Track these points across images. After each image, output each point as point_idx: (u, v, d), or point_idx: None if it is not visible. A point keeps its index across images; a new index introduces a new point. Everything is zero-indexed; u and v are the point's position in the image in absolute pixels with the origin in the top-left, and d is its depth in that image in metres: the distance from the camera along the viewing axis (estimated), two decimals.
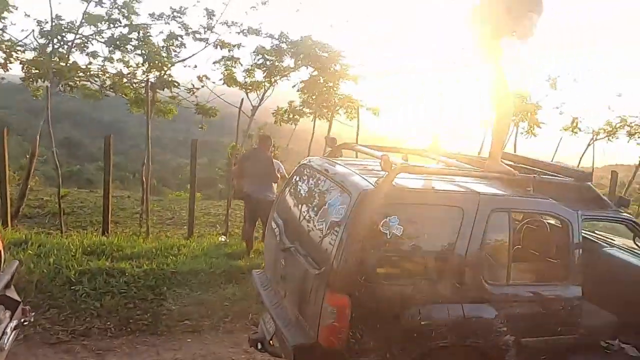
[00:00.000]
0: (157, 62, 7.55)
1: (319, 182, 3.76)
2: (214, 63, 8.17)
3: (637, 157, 11.93)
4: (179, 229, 8.61)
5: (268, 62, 8.16)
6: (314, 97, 8.49)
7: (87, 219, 8.94)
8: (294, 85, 8.58)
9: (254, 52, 8.20)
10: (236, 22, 7.93)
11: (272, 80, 8.30)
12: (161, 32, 7.86)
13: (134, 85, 7.88)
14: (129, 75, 7.90)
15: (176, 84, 8.12)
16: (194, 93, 8.58)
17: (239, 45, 8.23)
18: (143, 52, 7.68)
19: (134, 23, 7.68)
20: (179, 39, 7.77)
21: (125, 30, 7.64)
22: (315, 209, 3.56)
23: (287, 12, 8.28)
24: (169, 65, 7.84)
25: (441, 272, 3.20)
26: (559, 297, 3.45)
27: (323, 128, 9.90)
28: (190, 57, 8.18)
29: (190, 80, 8.59)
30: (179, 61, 8.07)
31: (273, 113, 9.37)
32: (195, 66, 8.30)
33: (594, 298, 3.75)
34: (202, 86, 8.53)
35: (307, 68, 8.46)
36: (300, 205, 3.89)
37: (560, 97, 10.89)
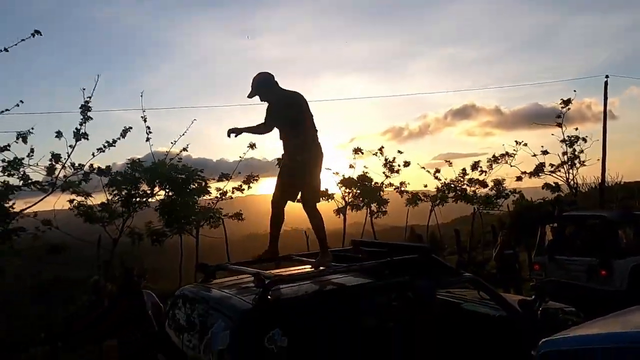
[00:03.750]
0: None
1: (198, 310, 3.78)
2: (69, 201, 7.78)
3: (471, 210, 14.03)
4: None
5: (124, 192, 8.03)
6: (173, 216, 8.46)
7: None
8: (156, 209, 8.50)
9: (106, 185, 8.04)
10: (83, 165, 7.78)
11: (130, 209, 8.14)
12: None
13: None
14: None
15: (22, 230, 7.47)
16: (38, 238, 7.96)
17: (86, 179, 8.00)
18: None
19: None
20: (16, 190, 7.30)
21: None
22: (199, 339, 3.55)
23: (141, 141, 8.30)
24: (8, 222, 7.25)
25: None
26: None
27: (192, 242, 9.80)
28: (36, 202, 7.68)
29: (36, 222, 8.00)
30: (22, 210, 7.50)
31: (128, 234, 8.98)
32: (35, 214, 7.81)
33: None
34: (50, 228, 7.98)
35: (165, 191, 8.51)
36: (183, 339, 3.83)
37: (399, 177, 12.53)
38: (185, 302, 3.98)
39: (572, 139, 13.17)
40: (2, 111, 6.51)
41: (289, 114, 4.20)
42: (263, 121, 4.45)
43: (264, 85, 4.25)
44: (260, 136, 4.66)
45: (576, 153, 13.24)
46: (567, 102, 13.19)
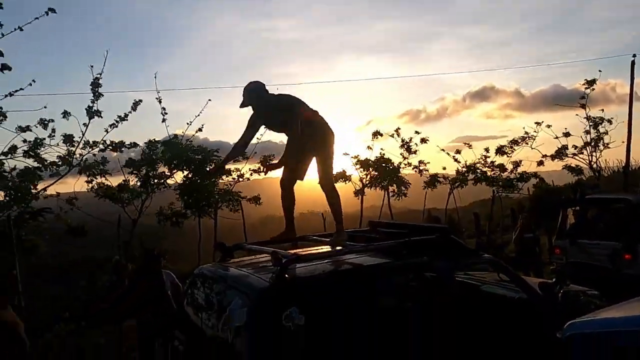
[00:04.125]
0: (16, 195, 7.05)
1: (216, 289, 3.81)
2: (87, 182, 7.87)
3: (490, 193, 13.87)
4: None
5: (142, 172, 8.10)
6: (192, 198, 8.55)
7: None
8: (176, 189, 8.59)
9: (124, 166, 8.10)
10: (97, 142, 7.80)
11: (149, 189, 8.21)
12: (14, 168, 7.40)
13: None
14: None
15: (48, 210, 7.63)
16: (60, 217, 8.11)
17: (104, 162, 8.08)
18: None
19: None
20: (37, 172, 7.38)
21: None
22: (217, 317, 3.57)
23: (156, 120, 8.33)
24: (29, 199, 7.34)
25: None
26: None
27: (210, 224, 9.90)
28: (54, 182, 7.75)
29: (58, 202, 8.15)
30: (42, 190, 7.59)
31: (156, 214, 9.17)
32: (58, 194, 7.91)
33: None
34: (72, 209, 8.12)
35: (182, 172, 8.56)
36: (201, 317, 3.87)
37: (417, 157, 12.41)
38: (204, 281, 4.01)
39: (597, 120, 12.82)
40: (17, 90, 6.52)
41: (286, 116, 4.19)
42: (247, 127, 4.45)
43: (256, 94, 4.27)
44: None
45: (600, 135, 12.90)
46: (591, 83, 12.78)
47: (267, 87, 4.35)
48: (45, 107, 7.40)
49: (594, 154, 13.09)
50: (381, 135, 12.09)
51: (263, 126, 4.54)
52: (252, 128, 4.47)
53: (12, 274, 5.16)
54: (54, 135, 7.51)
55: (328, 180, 4.35)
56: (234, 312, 3.35)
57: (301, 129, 4.18)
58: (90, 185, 8.27)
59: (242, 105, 4.31)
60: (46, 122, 7.30)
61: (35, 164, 7.43)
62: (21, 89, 6.47)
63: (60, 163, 7.59)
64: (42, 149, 7.43)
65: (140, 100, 8.05)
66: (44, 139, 7.44)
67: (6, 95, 6.29)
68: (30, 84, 6.76)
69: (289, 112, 4.19)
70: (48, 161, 7.51)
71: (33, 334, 7.90)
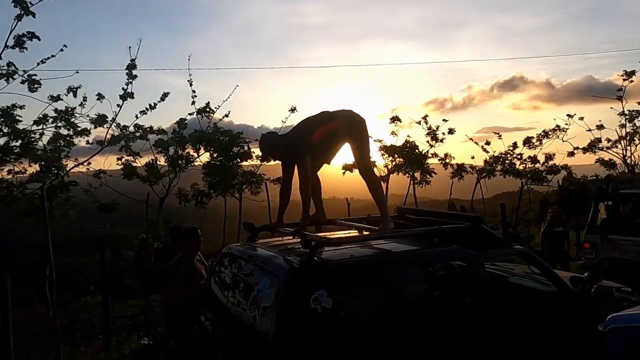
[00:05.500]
0: (49, 167, 7.18)
1: (244, 268, 3.82)
2: (118, 159, 7.97)
3: (518, 187, 13.58)
4: (93, 341, 7.88)
5: (170, 152, 8.17)
6: (217, 179, 8.61)
7: None
8: (202, 171, 8.66)
9: (153, 146, 8.18)
10: (127, 126, 7.83)
11: (177, 169, 8.29)
12: (43, 135, 7.46)
13: (26, 195, 7.34)
14: (19, 187, 7.37)
15: (74, 184, 7.77)
16: (90, 193, 8.26)
17: (135, 137, 8.13)
18: (31, 159, 7.27)
19: (16, 130, 7.24)
20: (68, 139, 7.43)
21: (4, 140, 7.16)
22: (245, 297, 3.59)
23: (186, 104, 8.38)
24: (64, 170, 7.45)
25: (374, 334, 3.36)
26: None
27: (233, 205, 9.97)
28: (85, 160, 7.86)
29: (88, 178, 8.30)
30: (75, 166, 7.71)
31: (176, 195, 9.26)
32: (89, 163, 8.01)
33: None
34: (100, 185, 8.26)
35: (209, 154, 8.61)
36: (228, 295, 3.89)
37: (443, 147, 12.22)
38: (232, 260, 4.03)
39: (633, 113, 12.42)
40: (49, 57, 6.51)
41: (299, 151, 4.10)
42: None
43: (269, 148, 4.22)
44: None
45: (636, 129, 12.50)
46: (630, 74, 12.34)
47: (278, 134, 4.29)
48: (77, 72, 7.38)
49: (628, 148, 12.70)
50: (400, 120, 11.91)
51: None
52: (285, 173, 4.44)
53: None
54: (84, 104, 7.53)
55: (366, 166, 4.27)
56: (262, 292, 3.35)
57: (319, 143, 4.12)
58: (119, 161, 8.36)
59: (263, 159, 4.33)
60: (75, 89, 7.23)
61: (66, 132, 7.48)
62: (52, 56, 6.47)
63: (90, 128, 7.61)
64: (74, 118, 7.43)
65: (168, 93, 7.99)
66: (75, 107, 7.45)
67: (38, 63, 6.29)
68: (62, 50, 6.72)
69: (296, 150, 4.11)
70: (80, 127, 7.52)
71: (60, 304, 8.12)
